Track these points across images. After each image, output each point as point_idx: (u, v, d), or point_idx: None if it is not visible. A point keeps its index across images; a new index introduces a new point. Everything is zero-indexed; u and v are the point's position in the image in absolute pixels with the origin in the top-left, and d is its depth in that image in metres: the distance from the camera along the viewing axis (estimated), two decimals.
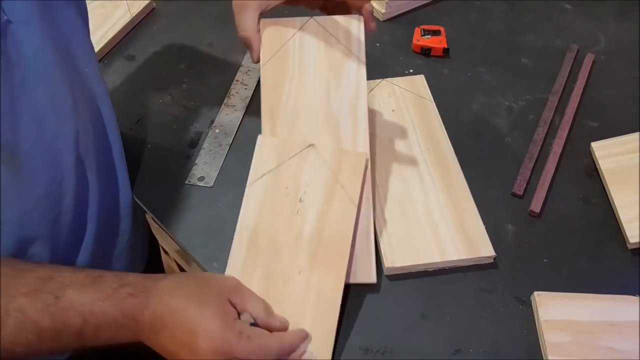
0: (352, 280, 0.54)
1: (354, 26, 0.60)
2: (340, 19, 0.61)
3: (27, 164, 0.47)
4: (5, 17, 0.43)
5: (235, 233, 0.54)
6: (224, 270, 0.53)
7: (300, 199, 0.55)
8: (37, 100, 0.47)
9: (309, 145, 0.57)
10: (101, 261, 0.62)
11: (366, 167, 0.57)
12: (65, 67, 0.50)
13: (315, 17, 0.61)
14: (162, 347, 0.45)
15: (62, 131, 0.51)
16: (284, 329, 0.49)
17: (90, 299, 0.43)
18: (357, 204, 0.54)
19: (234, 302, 0.47)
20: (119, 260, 0.66)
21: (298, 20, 0.61)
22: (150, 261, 0.76)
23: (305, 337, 0.49)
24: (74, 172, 0.53)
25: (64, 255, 0.55)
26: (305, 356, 0.48)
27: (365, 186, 0.56)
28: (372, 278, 0.55)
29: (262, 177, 0.56)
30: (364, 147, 0.58)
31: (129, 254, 0.67)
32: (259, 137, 0.58)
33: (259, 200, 0.55)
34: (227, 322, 0.44)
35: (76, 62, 0.53)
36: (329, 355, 0.49)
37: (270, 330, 0.48)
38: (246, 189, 0.56)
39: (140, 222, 0.69)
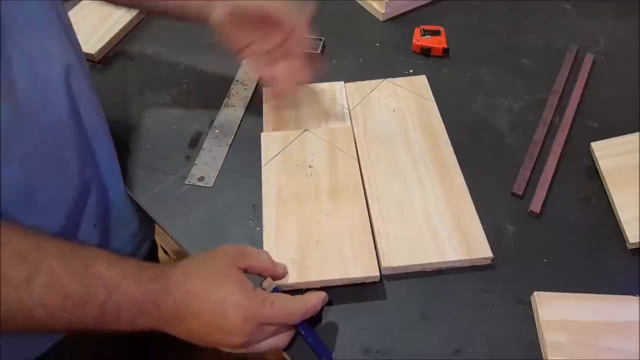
0: (352, 275, 0.55)
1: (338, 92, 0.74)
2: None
3: (24, 103, 0.46)
4: None
5: (263, 198, 0.62)
6: None
7: (310, 165, 0.65)
8: (26, 40, 0.46)
9: (304, 130, 0.69)
10: (102, 240, 0.62)
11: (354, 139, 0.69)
12: (51, 12, 0.50)
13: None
14: (188, 332, 0.46)
15: (53, 72, 0.50)
16: (285, 273, 0.54)
17: (116, 273, 0.44)
18: (356, 158, 0.66)
19: (242, 264, 0.49)
20: (118, 239, 0.66)
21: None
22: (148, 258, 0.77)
23: (324, 298, 0.52)
24: (70, 116, 0.52)
25: (68, 220, 0.55)
26: (356, 275, 0.55)
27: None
28: (375, 271, 0.55)
29: (272, 158, 0.66)
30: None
31: (128, 240, 0.68)
32: (262, 134, 0.69)
33: (275, 173, 0.65)
34: (248, 292, 0.47)
35: (60, 12, 0.52)
36: (376, 270, 0.55)
37: (276, 276, 0.52)
38: (262, 170, 0.65)
39: (135, 215, 0.70)
